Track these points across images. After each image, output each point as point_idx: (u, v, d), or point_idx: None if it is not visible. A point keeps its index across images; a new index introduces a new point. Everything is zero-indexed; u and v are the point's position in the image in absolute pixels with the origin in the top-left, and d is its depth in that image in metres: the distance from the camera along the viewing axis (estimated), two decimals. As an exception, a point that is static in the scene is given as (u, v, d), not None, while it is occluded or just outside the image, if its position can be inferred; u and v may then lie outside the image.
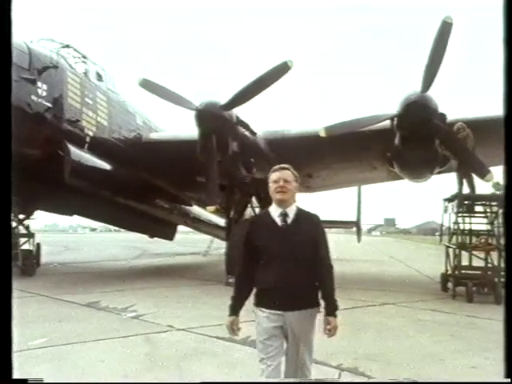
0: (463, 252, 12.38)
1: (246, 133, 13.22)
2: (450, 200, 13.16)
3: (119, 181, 14.94)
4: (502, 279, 11.56)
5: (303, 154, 13.31)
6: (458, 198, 12.69)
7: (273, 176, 3.62)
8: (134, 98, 16.67)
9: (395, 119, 11.49)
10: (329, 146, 13.22)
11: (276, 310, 3.42)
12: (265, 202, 14.67)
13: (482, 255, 12.17)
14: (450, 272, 12.44)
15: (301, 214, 3.61)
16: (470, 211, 12.80)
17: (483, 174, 11.72)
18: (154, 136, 16.46)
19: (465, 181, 12.58)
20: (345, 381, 4.33)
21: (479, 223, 12.85)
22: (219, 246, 22.53)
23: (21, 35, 12.57)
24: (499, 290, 11.22)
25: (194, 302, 10.41)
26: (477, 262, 12.28)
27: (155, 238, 23.13)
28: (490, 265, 12.01)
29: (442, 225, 13.96)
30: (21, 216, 16.82)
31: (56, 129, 12.87)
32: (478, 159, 11.72)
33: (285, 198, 3.54)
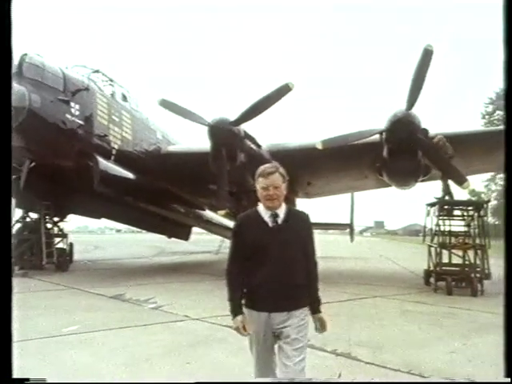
0: (443, 251, 12.38)
1: (252, 145, 13.28)
2: (431, 205, 13.18)
3: (141, 188, 15.01)
4: (478, 274, 11.70)
5: (303, 165, 13.34)
6: (438, 203, 12.75)
7: (261, 182, 3.18)
8: (154, 115, 16.77)
9: (383, 134, 11.57)
10: (325, 157, 13.25)
11: (266, 312, 3.08)
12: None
13: (460, 253, 12.17)
14: (432, 268, 12.42)
15: (291, 213, 3.24)
16: (450, 215, 12.81)
17: (461, 182, 11.86)
18: (171, 148, 16.53)
19: (444, 187, 12.70)
20: (345, 381, 4.01)
21: (457, 225, 12.85)
22: (229, 246, 22.55)
23: (56, 61, 12.72)
24: (475, 284, 11.35)
25: (207, 295, 10.41)
26: (455, 260, 12.26)
27: (172, 239, 23.15)
28: (467, 262, 12.00)
29: (424, 227, 13.94)
30: (55, 219, 16.88)
31: (87, 143, 12.98)
32: (456, 169, 11.82)
33: (275, 205, 3.17)
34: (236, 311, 3.14)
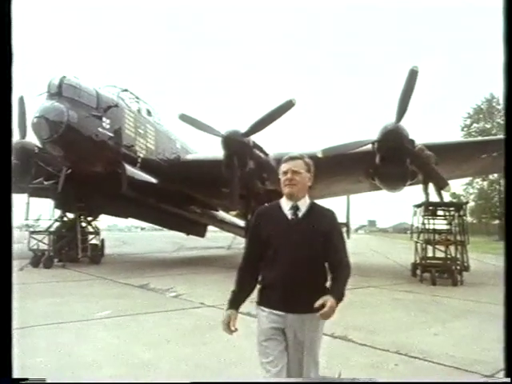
0: (428, 246, 12.37)
1: (260, 154, 13.32)
2: (418, 206, 13.19)
3: (162, 191, 15.09)
4: (458, 267, 11.72)
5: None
6: (424, 204, 12.78)
7: (282, 167, 2.72)
8: (174, 127, 16.85)
9: (376, 144, 11.59)
10: (325, 164, 13.17)
11: (277, 310, 2.53)
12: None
13: (443, 248, 12.17)
14: (418, 262, 12.40)
15: (314, 208, 2.70)
16: (434, 215, 12.83)
17: (443, 185, 11.97)
18: (189, 157, 16.60)
19: (429, 190, 12.77)
20: (345, 381, 3.67)
21: (440, 224, 12.85)
22: (240, 242, 22.50)
23: (90, 81, 12.84)
24: (456, 275, 11.37)
25: (221, 285, 10.41)
26: (439, 254, 12.25)
27: (190, 236, 23.19)
28: (448, 256, 12.02)
29: (412, 225, 13.92)
30: (89, 218, 17.00)
31: (116, 152, 13.06)
32: (439, 174, 11.94)
33: (293, 190, 2.64)
34: (231, 304, 2.73)
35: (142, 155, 14.15)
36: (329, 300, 2.41)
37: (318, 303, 2.39)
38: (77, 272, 12.88)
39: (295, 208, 2.64)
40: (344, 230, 30.76)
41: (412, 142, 11.48)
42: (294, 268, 2.50)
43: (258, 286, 2.67)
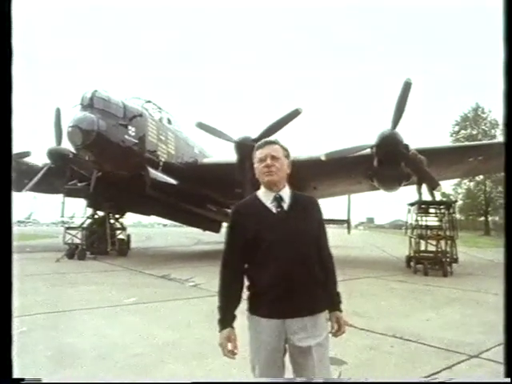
0: (421, 241, 12.32)
1: (270, 158, 13.32)
2: (412, 204, 13.13)
3: (182, 192, 15.14)
4: (448, 259, 11.67)
5: (310, 173, 13.28)
6: (417, 203, 12.71)
7: (258, 153, 2.16)
8: (192, 134, 16.90)
9: (374, 148, 11.57)
10: (328, 167, 13.23)
11: (275, 318, 2.00)
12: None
13: (434, 243, 12.10)
14: (412, 255, 12.34)
15: (297, 197, 2.14)
16: (426, 212, 12.78)
17: (434, 186, 11.92)
18: (205, 161, 16.63)
19: (422, 190, 12.72)
20: (345, 381, 3.44)
21: (432, 220, 12.79)
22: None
23: (117, 93, 12.95)
24: (446, 266, 11.31)
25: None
26: (430, 248, 12.17)
27: (207, 232, 23.26)
28: (439, 249, 11.94)
29: (406, 222, 13.85)
30: (117, 216, 17.17)
31: (140, 157, 13.14)
32: (431, 175, 11.90)
33: (274, 179, 2.09)
34: (223, 323, 2.13)
35: (163, 159, 14.23)
36: (339, 319, 2.14)
37: (332, 326, 2.12)
38: (106, 263, 13.01)
39: (278, 199, 2.09)
40: (345, 226, 30.75)
41: (406, 146, 11.45)
42: (291, 267, 1.98)
43: (247, 293, 2.11)
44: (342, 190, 19.19)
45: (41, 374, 3.53)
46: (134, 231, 31.90)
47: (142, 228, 67.42)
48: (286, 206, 2.08)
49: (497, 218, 47.10)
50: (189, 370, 3.70)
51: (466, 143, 34.17)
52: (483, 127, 48.36)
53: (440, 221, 12.71)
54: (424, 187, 12.58)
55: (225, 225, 23.60)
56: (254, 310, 2.07)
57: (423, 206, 12.69)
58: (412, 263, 12.16)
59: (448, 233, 12.35)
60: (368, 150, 11.77)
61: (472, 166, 15.08)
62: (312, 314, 2.03)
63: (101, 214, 16.42)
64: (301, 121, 12.60)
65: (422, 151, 12.00)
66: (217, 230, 22.79)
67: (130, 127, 12.60)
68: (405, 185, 12.70)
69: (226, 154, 15.40)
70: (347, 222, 30.06)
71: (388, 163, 11.51)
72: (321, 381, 1.92)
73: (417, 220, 12.63)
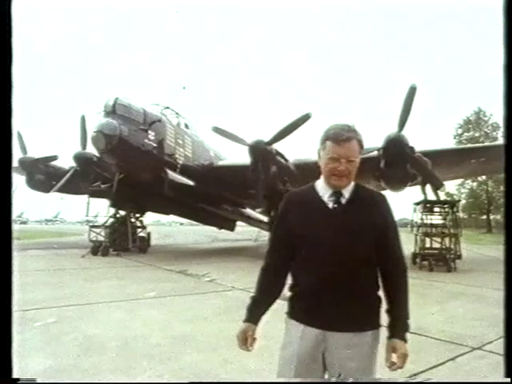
0: (426, 238, 12.21)
1: (282, 160, 13.27)
2: (417, 204, 13.03)
3: (198, 192, 15.19)
4: (452, 256, 11.55)
5: (319, 175, 13.29)
6: (422, 202, 12.63)
7: (330, 149, 1.68)
8: (208, 138, 16.96)
9: (381, 150, 11.49)
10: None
11: (315, 328, 1.65)
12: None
13: (439, 240, 11.98)
14: (417, 251, 12.21)
15: (360, 192, 1.75)
16: (431, 211, 12.67)
17: (439, 186, 11.78)
18: (221, 163, 16.68)
19: (426, 190, 12.61)
20: (345, 381, 3.40)
21: (436, 219, 12.69)
22: (264, 235, 22.49)
23: (138, 100, 13.06)
24: (450, 262, 11.22)
25: (249, 271, 10.44)
26: (435, 245, 12.05)
27: (222, 230, 23.32)
28: (444, 246, 11.81)
29: (412, 220, 13.71)
30: (138, 215, 17.30)
31: (159, 159, 13.25)
32: (436, 176, 11.76)
33: (343, 184, 1.71)
34: (248, 315, 1.86)
35: (181, 162, 14.31)
36: (400, 347, 1.74)
37: (387, 357, 1.73)
38: (128, 259, 13.11)
39: (338, 195, 1.72)
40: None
41: (412, 148, 11.35)
42: (340, 271, 1.63)
43: (289, 293, 1.79)
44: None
45: (69, 361, 3.59)
46: (154, 229, 32.16)
47: (161, 226, 67.79)
48: (344, 200, 1.71)
49: (498, 217, 46.35)
50: (205, 360, 3.70)
51: (469, 145, 33.74)
52: (485, 130, 47.78)
53: (444, 219, 12.59)
54: (429, 187, 12.45)
55: (239, 223, 23.69)
56: (291, 313, 1.76)
57: (428, 205, 12.58)
58: (417, 259, 12.03)
59: (452, 230, 12.21)
60: (375, 152, 11.68)
61: (474, 166, 14.90)
62: (359, 330, 1.65)
63: (122, 213, 16.56)
64: (310, 124, 12.56)
65: (426, 153, 11.88)
66: (231, 228, 22.83)
67: (149, 132, 12.71)
68: (410, 185, 12.58)
69: (240, 156, 15.46)
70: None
71: (394, 165, 11.40)
72: (321, 381, 1.69)
73: (422, 218, 12.53)
